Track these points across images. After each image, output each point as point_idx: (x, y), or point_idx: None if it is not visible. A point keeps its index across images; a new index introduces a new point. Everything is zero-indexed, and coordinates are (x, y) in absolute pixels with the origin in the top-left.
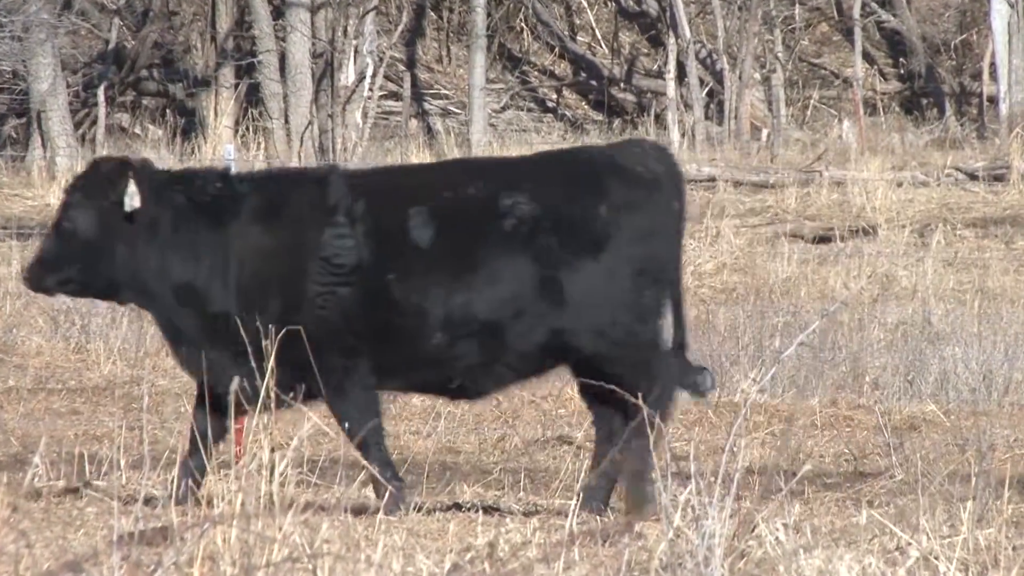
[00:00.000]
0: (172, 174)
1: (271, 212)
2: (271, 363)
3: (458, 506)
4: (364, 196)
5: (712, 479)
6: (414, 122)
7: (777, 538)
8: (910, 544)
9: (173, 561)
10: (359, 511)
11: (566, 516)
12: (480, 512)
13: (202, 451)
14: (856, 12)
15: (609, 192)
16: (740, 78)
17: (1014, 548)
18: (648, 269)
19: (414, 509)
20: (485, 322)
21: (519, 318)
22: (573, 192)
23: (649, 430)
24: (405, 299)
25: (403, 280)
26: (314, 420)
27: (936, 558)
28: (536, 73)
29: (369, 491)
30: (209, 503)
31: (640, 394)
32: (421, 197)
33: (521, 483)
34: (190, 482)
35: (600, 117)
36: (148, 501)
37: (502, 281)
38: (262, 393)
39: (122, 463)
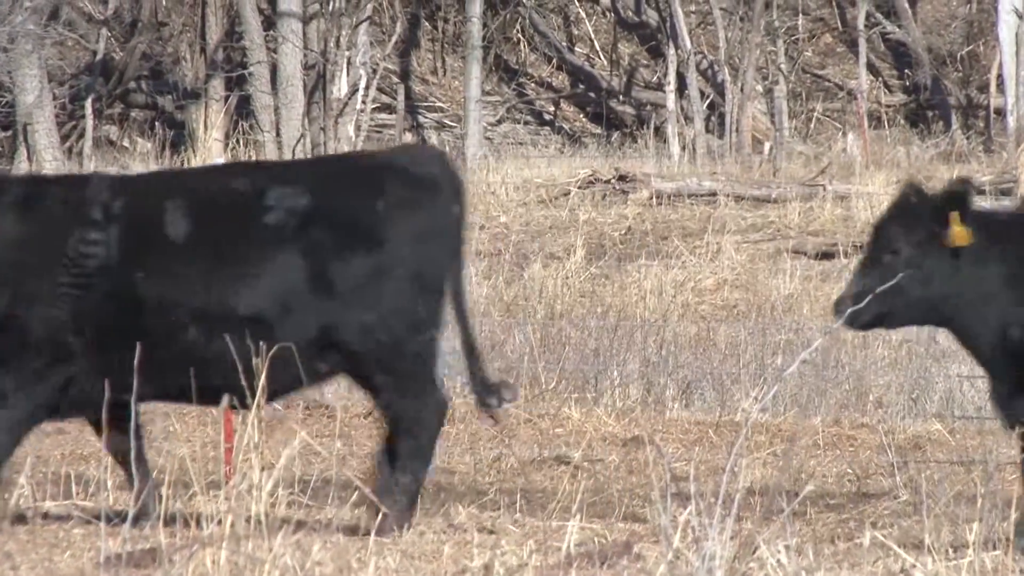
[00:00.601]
0: None
1: (23, 209)
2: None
3: (453, 527)
4: (125, 196)
5: (712, 500)
6: (408, 135)
7: (779, 560)
8: (915, 566)
9: None
10: (352, 532)
11: (563, 537)
12: (476, 533)
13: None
14: (860, 23)
15: (385, 191)
16: (742, 90)
17: (1021, 570)
18: (425, 274)
19: (408, 530)
20: (250, 323)
21: (287, 319)
22: (348, 190)
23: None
24: (165, 298)
25: (163, 279)
26: (304, 438)
27: None
28: (533, 85)
29: (362, 511)
30: (198, 524)
31: (397, 411)
32: (186, 195)
33: (517, 504)
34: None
35: (599, 130)
36: (136, 522)
37: (268, 280)
38: (253, 407)
39: (109, 484)
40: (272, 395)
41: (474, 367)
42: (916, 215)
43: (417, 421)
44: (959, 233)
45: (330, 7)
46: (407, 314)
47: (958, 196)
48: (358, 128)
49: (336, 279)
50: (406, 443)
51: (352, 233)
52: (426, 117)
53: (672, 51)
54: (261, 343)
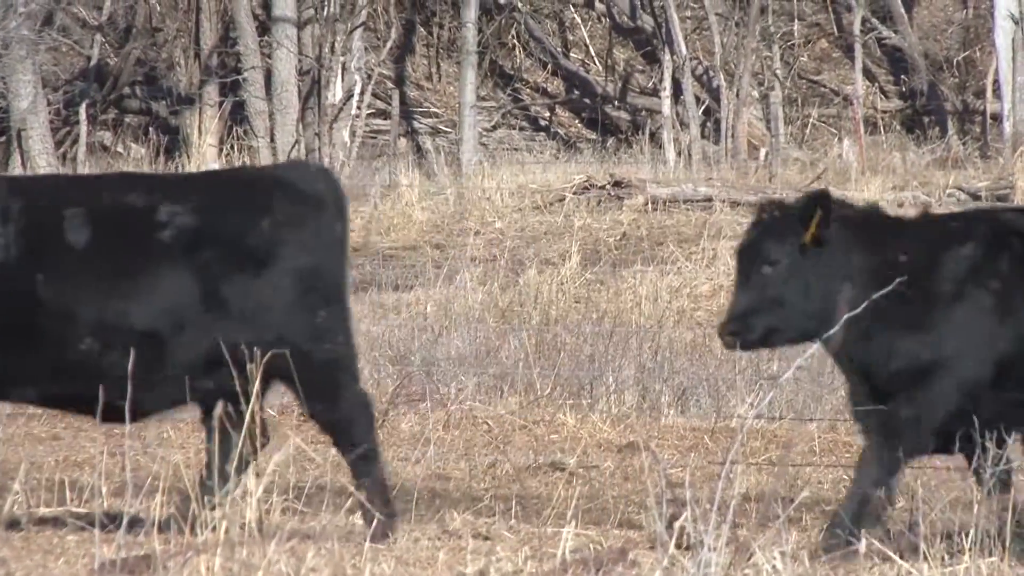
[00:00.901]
0: None
1: None
2: (257, 387)
3: (448, 533)
4: (20, 197)
5: (708, 506)
6: (403, 141)
7: (774, 567)
8: (911, 573)
9: None
10: (346, 539)
11: (558, 544)
12: (471, 540)
13: None
14: (856, 28)
15: (272, 208)
16: (737, 96)
17: None
18: (317, 287)
19: (403, 537)
20: (137, 332)
21: (174, 331)
22: (234, 206)
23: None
24: (52, 303)
25: (50, 285)
26: (298, 444)
27: None
28: (528, 91)
29: (357, 518)
30: (192, 530)
31: (325, 420)
32: (79, 202)
33: (512, 510)
34: None
35: (594, 136)
36: (131, 529)
37: (154, 291)
38: (247, 416)
39: (104, 490)
40: (148, 413)
41: None
42: (783, 225)
43: (346, 425)
44: (810, 234)
45: (325, 12)
46: (306, 327)
47: (822, 196)
48: (353, 134)
49: (225, 297)
50: (346, 449)
51: (239, 249)
52: (421, 123)
53: (667, 57)
54: (142, 358)
